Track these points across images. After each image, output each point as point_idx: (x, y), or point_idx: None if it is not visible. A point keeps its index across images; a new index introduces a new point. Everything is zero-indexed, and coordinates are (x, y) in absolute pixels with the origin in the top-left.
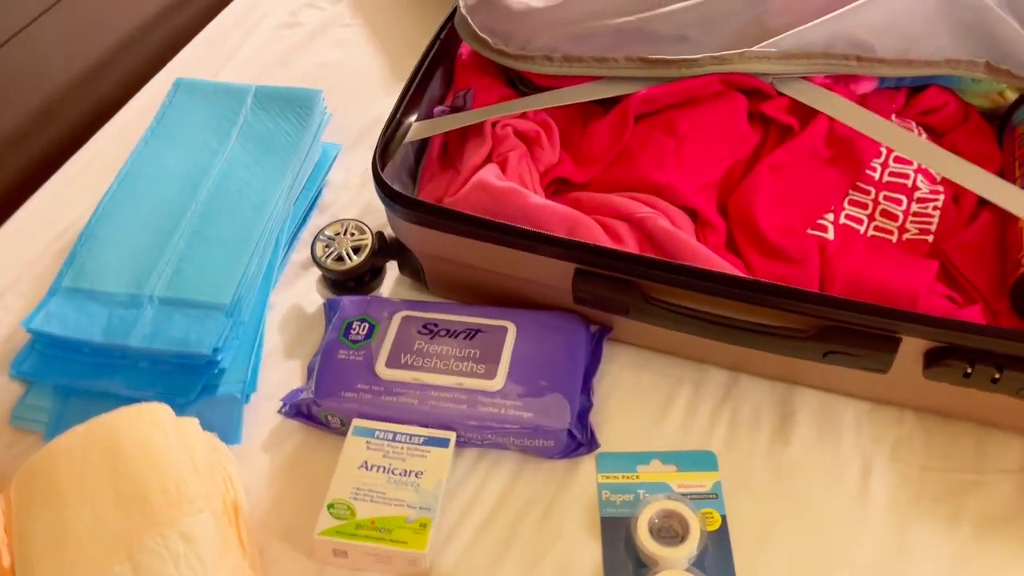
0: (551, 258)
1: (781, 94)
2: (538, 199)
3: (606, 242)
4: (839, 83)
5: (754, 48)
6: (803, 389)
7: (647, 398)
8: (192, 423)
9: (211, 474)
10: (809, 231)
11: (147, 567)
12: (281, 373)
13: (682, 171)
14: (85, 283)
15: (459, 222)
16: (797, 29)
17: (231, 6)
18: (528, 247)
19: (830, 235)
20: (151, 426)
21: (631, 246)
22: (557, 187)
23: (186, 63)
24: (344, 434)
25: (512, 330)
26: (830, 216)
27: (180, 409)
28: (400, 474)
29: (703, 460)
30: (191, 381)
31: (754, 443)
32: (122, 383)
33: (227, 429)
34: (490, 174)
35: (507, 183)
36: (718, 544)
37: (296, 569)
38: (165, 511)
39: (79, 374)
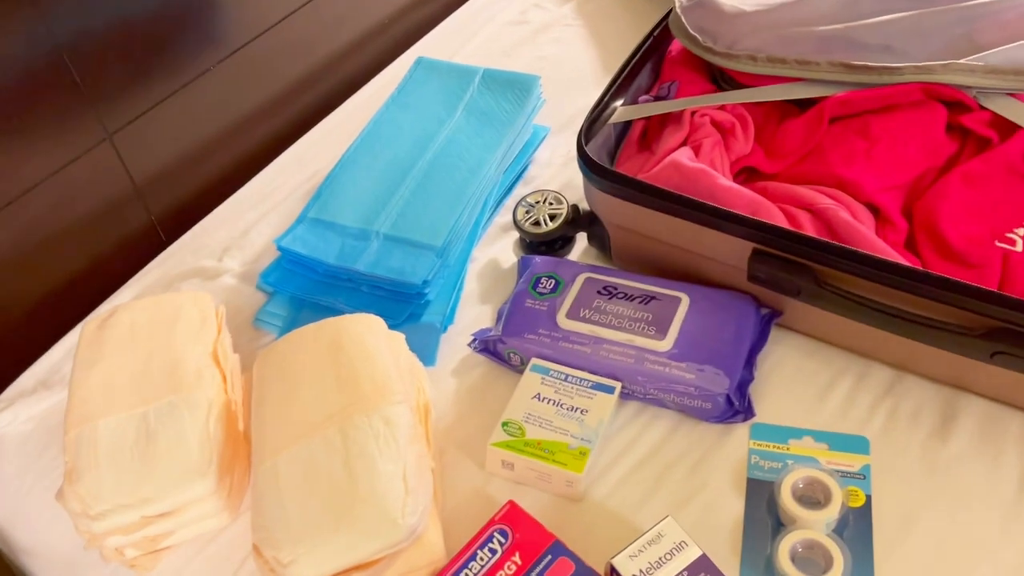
0: (732, 236)
1: (983, 108)
2: (726, 181)
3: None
4: None
5: (960, 61)
6: (969, 395)
7: (808, 382)
8: (399, 337)
9: (410, 379)
10: (997, 243)
11: (353, 437)
12: (474, 314)
13: (870, 170)
14: (326, 215)
15: (651, 195)
16: (1007, 46)
17: (469, 3)
18: (712, 223)
19: (1019, 248)
20: (368, 331)
21: (810, 233)
22: (747, 176)
23: (426, 48)
24: (522, 372)
25: (685, 301)
26: (1021, 231)
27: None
28: (568, 409)
29: (856, 443)
30: (401, 308)
31: (910, 437)
32: (344, 302)
33: (425, 352)
34: (683, 155)
35: (698, 164)
36: (859, 521)
37: (468, 474)
38: (372, 397)
39: (311, 290)
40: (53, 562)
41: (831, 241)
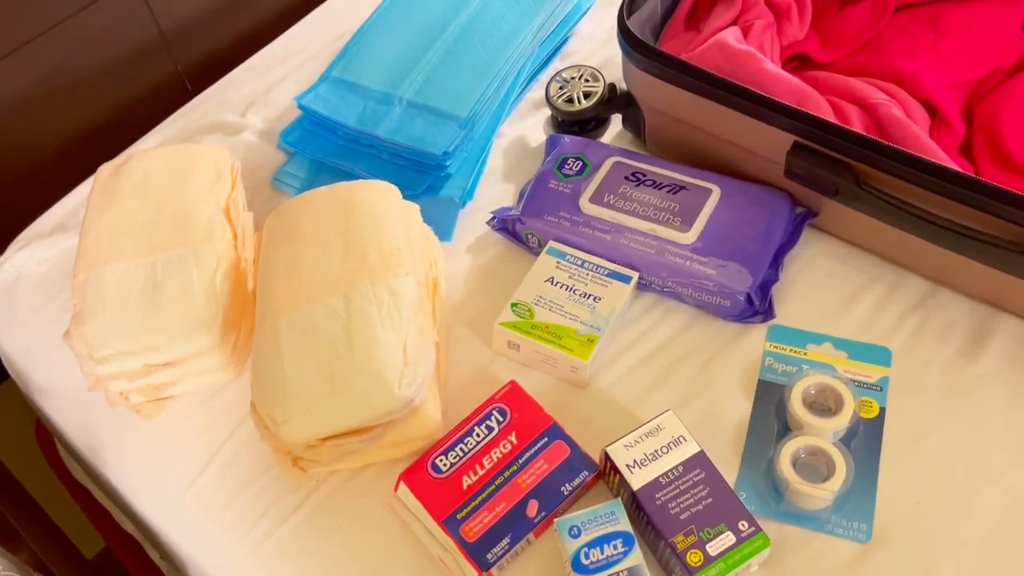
0: (773, 126)
1: None
2: (773, 67)
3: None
4: None
5: None
6: (1006, 315)
7: (836, 287)
8: (413, 207)
9: (422, 252)
10: None
11: (357, 306)
12: (496, 192)
13: (933, 65)
14: (350, 76)
15: (690, 76)
16: None
17: None
18: (753, 111)
19: None
20: (381, 199)
21: (857, 129)
22: (798, 64)
23: None
24: (538, 254)
25: (716, 193)
26: None
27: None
28: (580, 295)
29: (877, 354)
30: (420, 178)
31: (936, 353)
32: (363, 168)
33: (442, 227)
34: (730, 36)
35: (745, 47)
36: (870, 432)
37: (474, 352)
38: (378, 267)
39: (331, 153)
40: (65, 401)
41: (874, 138)
